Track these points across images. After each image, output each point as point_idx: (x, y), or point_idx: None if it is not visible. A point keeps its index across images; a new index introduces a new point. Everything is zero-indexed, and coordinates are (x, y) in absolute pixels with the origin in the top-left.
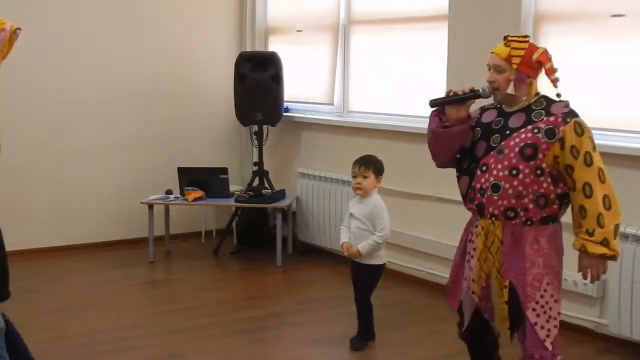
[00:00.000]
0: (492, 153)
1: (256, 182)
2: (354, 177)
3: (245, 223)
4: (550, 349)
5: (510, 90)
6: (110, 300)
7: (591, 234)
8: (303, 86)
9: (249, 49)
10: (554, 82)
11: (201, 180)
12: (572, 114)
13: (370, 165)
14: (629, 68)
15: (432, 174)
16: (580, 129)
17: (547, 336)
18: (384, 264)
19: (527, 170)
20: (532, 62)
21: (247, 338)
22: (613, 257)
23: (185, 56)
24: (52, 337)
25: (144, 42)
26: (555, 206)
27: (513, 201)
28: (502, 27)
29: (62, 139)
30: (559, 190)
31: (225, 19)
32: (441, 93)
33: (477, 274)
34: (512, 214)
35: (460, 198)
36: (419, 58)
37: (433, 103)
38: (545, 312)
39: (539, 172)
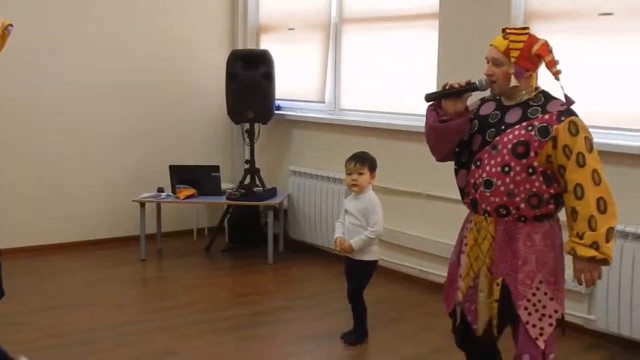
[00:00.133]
0: (486, 148)
1: (248, 180)
2: (349, 174)
3: (236, 221)
4: (542, 347)
5: (514, 82)
6: (102, 298)
7: (581, 237)
8: (294, 84)
9: (240, 47)
10: (556, 74)
11: (193, 178)
12: (568, 112)
13: (365, 161)
14: (618, 66)
15: (422, 172)
16: (575, 129)
17: (540, 334)
18: (377, 260)
19: (518, 168)
20: (531, 56)
21: (238, 335)
22: (604, 261)
23: (177, 54)
24: (45, 335)
25: (136, 40)
26: (551, 206)
27: (505, 199)
28: (492, 26)
29: (53, 138)
30: (552, 191)
31: (217, 17)
32: (432, 90)
33: (465, 270)
34: (504, 212)
35: (450, 195)
36: (410, 56)
37: (429, 97)
38: (537, 311)
39: (530, 170)
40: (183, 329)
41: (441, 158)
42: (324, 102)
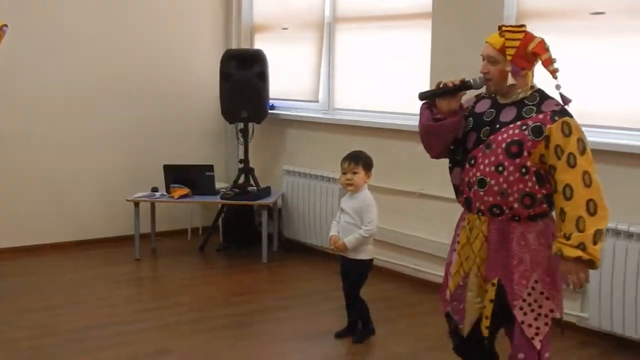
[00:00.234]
0: (480, 147)
1: (242, 180)
2: (344, 173)
3: (231, 220)
4: (538, 347)
5: (511, 80)
6: (96, 297)
7: (568, 238)
8: (288, 84)
9: (234, 46)
10: (553, 73)
11: (187, 177)
12: (562, 112)
13: (360, 161)
14: (609, 65)
15: (416, 171)
16: (568, 129)
17: (536, 334)
18: (372, 260)
19: (511, 168)
20: (527, 54)
21: (232, 334)
22: (591, 263)
23: (171, 54)
24: (39, 334)
25: (130, 40)
26: (544, 206)
27: (498, 198)
28: (484, 25)
29: (47, 138)
30: (544, 191)
31: (211, 17)
32: (425, 89)
33: (455, 269)
34: (497, 211)
35: (444, 194)
36: (403, 55)
37: (423, 96)
38: (533, 310)
39: (523, 170)
40: (177, 328)
41: (436, 155)
42: (317, 102)
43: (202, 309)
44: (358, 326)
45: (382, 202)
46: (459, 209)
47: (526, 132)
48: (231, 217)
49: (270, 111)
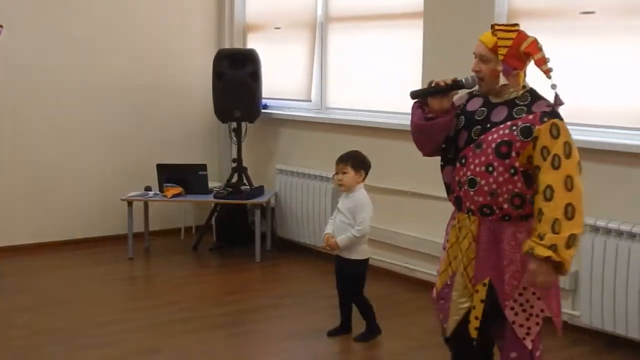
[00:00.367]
0: (471, 146)
1: (235, 179)
2: (336, 173)
3: (224, 219)
4: (529, 347)
5: (503, 80)
6: (89, 296)
7: (541, 238)
8: (281, 83)
9: (227, 46)
10: (547, 72)
11: (180, 176)
12: (552, 114)
13: (348, 161)
14: (599, 64)
15: (408, 170)
16: (557, 131)
17: (527, 334)
18: (367, 259)
19: (501, 169)
20: (519, 54)
21: (225, 332)
22: (561, 266)
23: (164, 53)
24: (32, 333)
25: (122, 39)
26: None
27: (488, 198)
28: (476, 24)
29: (39, 137)
30: (532, 192)
31: (204, 17)
32: (417, 88)
33: (443, 267)
34: (487, 211)
35: (436, 193)
36: (395, 55)
37: (414, 94)
38: (524, 310)
39: (512, 171)
40: (170, 326)
41: (427, 154)
42: (310, 101)
43: (195, 308)
44: (350, 324)
45: (374, 201)
46: (451, 208)
47: (515, 133)
48: (224, 216)
49: (263, 110)
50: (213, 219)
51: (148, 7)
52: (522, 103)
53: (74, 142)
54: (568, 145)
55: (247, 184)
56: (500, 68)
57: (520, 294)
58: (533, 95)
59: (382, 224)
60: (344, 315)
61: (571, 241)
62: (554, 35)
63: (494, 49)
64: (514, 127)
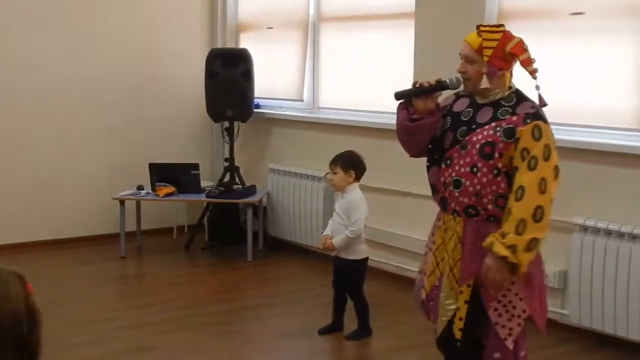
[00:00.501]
0: (456, 147)
1: (227, 178)
2: (329, 174)
3: (216, 218)
4: (511, 347)
5: (485, 84)
6: (81, 295)
7: (503, 237)
8: (273, 82)
9: (219, 45)
10: (532, 73)
11: (172, 176)
12: (536, 116)
13: (337, 161)
14: (589, 65)
15: (400, 169)
16: (539, 134)
17: (509, 335)
18: (365, 259)
19: (485, 169)
20: (504, 54)
21: (217, 331)
22: (516, 267)
23: (157, 53)
24: None
25: (115, 38)
26: None
27: (473, 199)
28: (466, 24)
29: (32, 135)
30: None
31: (196, 16)
32: (408, 87)
33: (430, 269)
34: (472, 212)
35: (428, 192)
36: (387, 55)
37: (399, 95)
38: (507, 311)
39: (496, 172)
40: (162, 325)
41: (414, 155)
42: (302, 101)
43: (187, 307)
44: (342, 323)
45: (366, 201)
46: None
47: (499, 134)
48: (216, 216)
49: (255, 110)
50: (205, 218)
51: (141, 6)
52: (507, 104)
53: (66, 142)
54: (548, 148)
55: (239, 183)
56: (485, 70)
57: (504, 295)
58: (519, 97)
59: (374, 223)
60: (337, 314)
61: (532, 245)
62: (544, 36)
63: (480, 50)
64: (498, 128)
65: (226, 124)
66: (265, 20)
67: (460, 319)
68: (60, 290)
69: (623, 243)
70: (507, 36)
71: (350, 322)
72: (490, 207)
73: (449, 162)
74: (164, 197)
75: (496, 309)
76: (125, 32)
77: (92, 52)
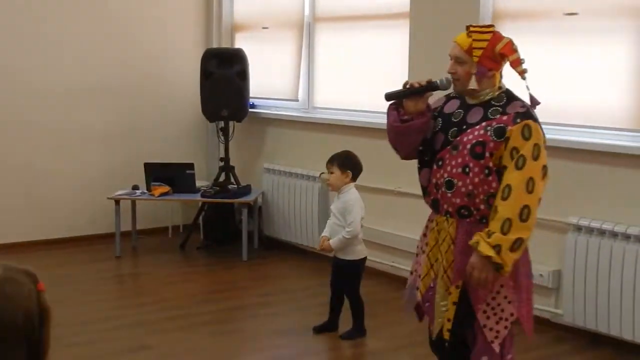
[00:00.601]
0: (448, 147)
1: (222, 178)
2: (328, 173)
3: (211, 218)
4: (497, 350)
5: (473, 85)
6: (77, 294)
7: (489, 236)
8: (269, 82)
9: (215, 45)
10: (521, 74)
11: (168, 175)
12: (526, 115)
13: (334, 161)
14: (582, 65)
15: (395, 169)
16: (529, 133)
17: (496, 337)
18: (363, 259)
19: (476, 169)
20: (494, 55)
21: (213, 330)
22: (500, 267)
23: (152, 53)
24: None
25: (111, 38)
26: None
27: (466, 199)
28: (461, 24)
29: (27, 135)
30: None
31: (192, 16)
32: (391, 90)
33: (424, 271)
34: (465, 212)
35: (421, 192)
36: (381, 55)
37: (389, 96)
38: (495, 314)
39: (487, 171)
40: (157, 324)
41: (405, 156)
42: (297, 100)
43: (183, 306)
44: (337, 322)
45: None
46: None
47: (489, 134)
48: (212, 215)
49: (250, 110)
50: (200, 217)
51: (136, 6)
52: (498, 104)
53: (62, 142)
54: (537, 147)
55: (235, 183)
56: (474, 70)
57: (493, 298)
58: (509, 96)
59: (369, 223)
60: (333, 313)
61: (516, 245)
62: (537, 36)
63: (469, 51)
64: (489, 128)
65: (221, 123)
66: (260, 20)
67: (449, 320)
68: (56, 290)
69: (616, 243)
70: (497, 37)
71: (345, 322)
72: (482, 206)
73: (440, 163)
74: (159, 196)
75: (485, 312)
76: (120, 32)
77: (87, 52)
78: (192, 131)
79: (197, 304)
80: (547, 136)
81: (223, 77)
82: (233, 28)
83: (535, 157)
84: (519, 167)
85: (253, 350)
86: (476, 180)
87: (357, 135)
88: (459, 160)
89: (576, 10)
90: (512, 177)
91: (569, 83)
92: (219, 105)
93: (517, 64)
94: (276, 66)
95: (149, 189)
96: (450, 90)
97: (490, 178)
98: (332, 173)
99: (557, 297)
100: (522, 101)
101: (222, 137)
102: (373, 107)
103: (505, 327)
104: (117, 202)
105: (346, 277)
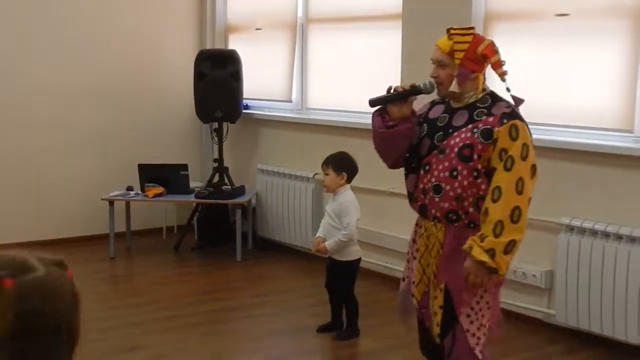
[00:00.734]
0: (434, 152)
1: (216, 179)
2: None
3: (205, 219)
4: (480, 357)
5: (454, 87)
6: None
7: (482, 240)
8: (262, 83)
9: (208, 47)
10: (501, 76)
11: (162, 176)
12: (512, 115)
13: (329, 163)
14: (574, 65)
15: (388, 170)
16: (516, 133)
17: (477, 344)
18: (358, 259)
19: (465, 172)
20: (476, 56)
21: (206, 330)
22: (495, 271)
23: (146, 54)
24: None
25: (105, 39)
26: None
27: (454, 203)
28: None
29: (21, 136)
30: None
31: (186, 18)
32: (375, 96)
33: (418, 277)
34: (454, 217)
35: None
36: (374, 56)
37: (373, 102)
38: (477, 319)
39: (475, 174)
40: (152, 324)
41: (392, 164)
42: (291, 102)
43: (177, 307)
44: (342, 321)
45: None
46: None
47: (476, 136)
48: (206, 216)
49: (244, 111)
50: (195, 218)
51: (130, 7)
52: (483, 106)
53: (55, 142)
54: (526, 147)
55: (228, 184)
56: (456, 73)
57: (477, 302)
58: (493, 98)
59: (362, 224)
60: (334, 312)
61: (510, 247)
62: (529, 37)
63: (451, 53)
64: (475, 130)
65: (215, 124)
66: (253, 21)
67: (437, 324)
68: None
69: (609, 243)
70: (478, 38)
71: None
72: (471, 209)
73: (427, 168)
74: (153, 197)
75: (468, 316)
76: (114, 33)
77: (79, 53)
78: (185, 132)
79: (191, 304)
80: (540, 136)
81: (217, 78)
82: (226, 29)
83: (524, 157)
84: (507, 168)
85: (247, 350)
86: (465, 183)
87: (350, 136)
88: (446, 164)
89: (567, 11)
90: (501, 178)
91: (560, 83)
92: (213, 106)
93: (497, 65)
94: (270, 67)
95: (143, 190)
96: (435, 96)
97: (479, 180)
98: (327, 175)
99: (549, 298)
100: (507, 102)
101: (216, 138)
102: (366, 108)
103: (484, 334)
104: (111, 203)
105: (341, 277)
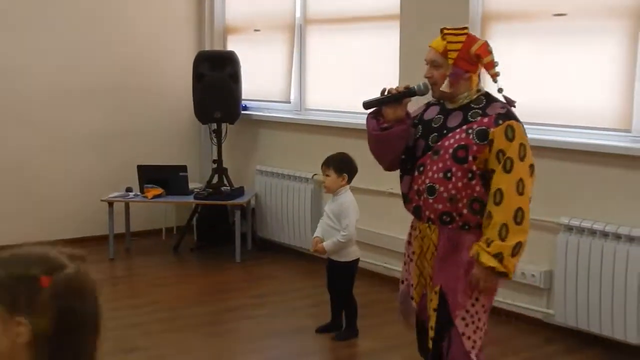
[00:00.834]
0: (428, 153)
1: (215, 180)
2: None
3: (205, 220)
4: None
5: (445, 87)
6: None
7: (488, 245)
8: (261, 84)
9: (207, 48)
10: (494, 77)
11: (161, 177)
12: (507, 116)
13: (330, 164)
14: (571, 65)
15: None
16: (512, 134)
17: (473, 347)
18: (357, 260)
19: (459, 174)
20: (470, 56)
21: (206, 331)
22: (504, 275)
23: (145, 55)
24: None
25: (104, 41)
26: None
27: (448, 205)
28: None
29: (20, 138)
30: None
31: (184, 19)
32: (369, 98)
33: (415, 280)
34: (447, 219)
35: None
36: (372, 56)
37: (367, 105)
38: (473, 322)
39: (470, 175)
40: (151, 326)
41: (387, 166)
42: (289, 102)
43: (176, 308)
44: (341, 322)
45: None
46: None
47: (471, 137)
48: (205, 217)
49: (243, 112)
50: (194, 219)
51: (128, 8)
52: (477, 106)
53: (55, 144)
54: (523, 147)
55: (228, 185)
56: (449, 72)
57: (473, 305)
58: (488, 98)
59: (361, 224)
60: (334, 312)
61: (516, 249)
62: (527, 37)
63: (445, 53)
64: (470, 131)
65: (214, 125)
66: (252, 22)
67: (431, 327)
68: None
69: (607, 242)
70: (471, 38)
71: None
72: (465, 211)
73: (421, 169)
74: (152, 198)
75: (463, 319)
76: (113, 34)
77: (79, 55)
78: (184, 133)
79: (191, 305)
80: (538, 136)
81: (215, 79)
82: (225, 31)
83: (522, 158)
84: (507, 170)
85: (246, 351)
86: (459, 184)
87: (349, 136)
88: (440, 165)
89: (565, 11)
90: (501, 180)
91: (558, 83)
92: (212, 107)
93: (491, 66)
94: (268, 68)
95: (142, 191)
96: (430, 97)
97: (473, 182)
98: (327, 176)
99: (548, 298)
100: (502, 102)
101: (215, 139)
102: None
103: (480, 338)
104: (110, 204)
105: (340, 278)
